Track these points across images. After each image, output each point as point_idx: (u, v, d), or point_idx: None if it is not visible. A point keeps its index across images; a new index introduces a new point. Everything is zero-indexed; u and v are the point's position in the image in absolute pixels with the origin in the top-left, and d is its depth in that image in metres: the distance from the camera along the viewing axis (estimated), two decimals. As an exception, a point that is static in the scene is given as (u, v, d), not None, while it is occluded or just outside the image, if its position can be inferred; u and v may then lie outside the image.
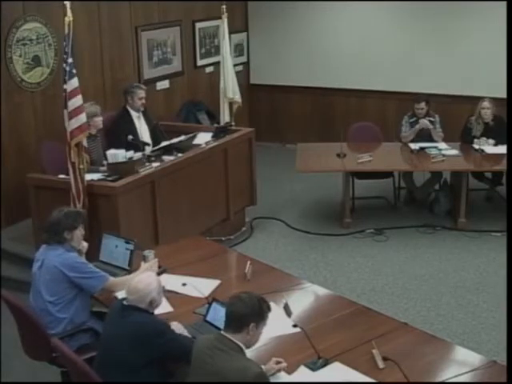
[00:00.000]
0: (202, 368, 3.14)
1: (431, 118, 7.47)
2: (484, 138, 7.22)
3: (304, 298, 4.16)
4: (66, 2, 5.02)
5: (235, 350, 3.09)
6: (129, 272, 4.32)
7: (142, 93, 6.52)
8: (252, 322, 3.12)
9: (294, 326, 3.71)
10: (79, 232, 4.16)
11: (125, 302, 3.54)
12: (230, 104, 8.11)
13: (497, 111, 7.31)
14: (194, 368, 3.21)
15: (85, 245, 4.33)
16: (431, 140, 7.41)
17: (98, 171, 5.77)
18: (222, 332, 3.17)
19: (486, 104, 7.24)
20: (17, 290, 4.75)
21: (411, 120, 7.49)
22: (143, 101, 6.54)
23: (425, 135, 7.45)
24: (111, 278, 4.11)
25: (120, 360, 3.42)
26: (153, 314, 3.57)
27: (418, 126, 7.39)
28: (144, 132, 6.57)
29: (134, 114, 6.52)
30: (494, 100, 7.32)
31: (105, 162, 5.98)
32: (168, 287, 4.17)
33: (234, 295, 3.23)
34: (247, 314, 3.12)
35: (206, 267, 4.50)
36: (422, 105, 7.37)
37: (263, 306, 3.19)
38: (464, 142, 7.39)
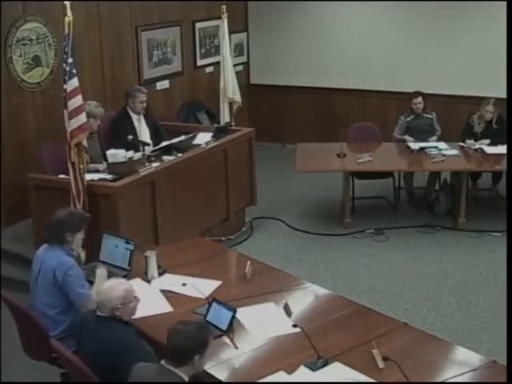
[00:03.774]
0: None
1: (429, 116, 7.57)
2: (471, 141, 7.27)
3: (304, 298, 4.16)
4: (66, 2, 5.01)
5: (177, 381, 2.99)
6: (129, 272, 4.33)
7: (142, 96, 6.54)
8: (196, 355, 3.01)
9: (294, 326, 3.71)
10: (80, 235, 4.14)
11: (98, 313, 3.52)
12: (230, 104, 8.11)
13: (499, 111, 7.33)
14: None
15: (82, 256, 4.26)
16: (425, 138, 7.46)
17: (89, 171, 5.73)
18: (163, 363, 3.04)
19: (489, 108, 7.27)
20: (17, 290, 4.76)
21: (408, 119, 7.57)
22: (144, 104, 6.56)
23: (417, 133, 7.50)
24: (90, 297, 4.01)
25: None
26: (127, 322, 3.52)
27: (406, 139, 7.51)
28: (144, 133, 6.57)
29: (134, 116, 6.55)
30: (499, 101, 7.33)
31: (104, 163, 5.97)
32: (168, 287, 4.18)
33: (172, 328, 3.06)
34: (190, 347, 2.99)
35: (206, 267, 4.50)
36: (420, 99, 7.47)
37: (205, 334, 3.07)
38: (464, 139, 7.41)
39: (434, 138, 7.57)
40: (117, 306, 3.46)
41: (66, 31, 5.04)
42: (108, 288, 3.52)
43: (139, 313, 3.65)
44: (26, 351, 4.19)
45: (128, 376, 3.17)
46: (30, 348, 4.15)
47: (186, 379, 3.03)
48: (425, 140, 7.45)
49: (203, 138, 6.60)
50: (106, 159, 5.95)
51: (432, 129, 7.62)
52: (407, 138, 7.49)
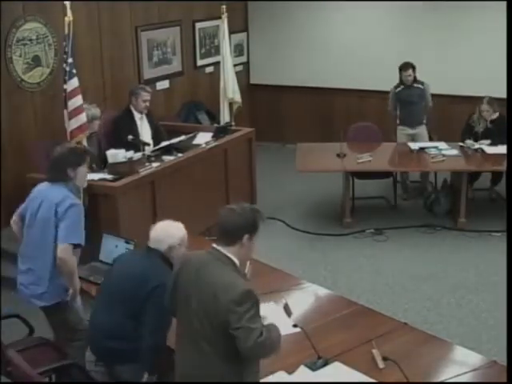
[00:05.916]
0: (192, 284, 3.03)
1: (420, 86, 7.65)
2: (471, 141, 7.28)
3: (304, 298, 4.17)
4: (66, 2, 5.03)
5: (227, 264, 3.00)
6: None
7: (146, 95, 6.58)
8: (246, 234, 3.02)
9: (294, 325, 3.70)
10: (84, 169, 4.08)
11: (149, 244, 3.54)
12: (230, 104, 8.12)
13: (499, 110, 7.32)
14: (183, 286, 3.08)
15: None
16: (414, 109, 7.55)
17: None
18: (213, 245, 3.06)
19: (484, 107, 7.27)
20: (17, 290, 4.75)
21: (397, 89, 7.67)
22: (147, 103, 6.60)
23: (406, 103, 7.60)
24: (72, 255, 3.93)
25: (123, 300, 3.44)
26: (172, 265, 3.54)
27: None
28: (145, 133, 6.59)
29: (136, 114, 6.58)
30: (494, 100, 7.32)
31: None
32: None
33: (225, 207, 3.12)
34: (240, 225, 3.01)
35: (205, 267, 4.49)
36: (410, 71, 7.57)
37: (256, 215, 3.07)
38: (464, 139, 7.41)
39: (424, 117, 7.70)
40: (175, 244, 3.49)
41: (66, 31, 5.06)
42: (169, 225, 3.52)
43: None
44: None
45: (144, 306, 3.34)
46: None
47: (237, 262, 3.02)
48: (414, 110, 7.54)
49: (203, 138, 6.60)
50: (104, 160, 5.94)
51: (421, 99, 7.63)
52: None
